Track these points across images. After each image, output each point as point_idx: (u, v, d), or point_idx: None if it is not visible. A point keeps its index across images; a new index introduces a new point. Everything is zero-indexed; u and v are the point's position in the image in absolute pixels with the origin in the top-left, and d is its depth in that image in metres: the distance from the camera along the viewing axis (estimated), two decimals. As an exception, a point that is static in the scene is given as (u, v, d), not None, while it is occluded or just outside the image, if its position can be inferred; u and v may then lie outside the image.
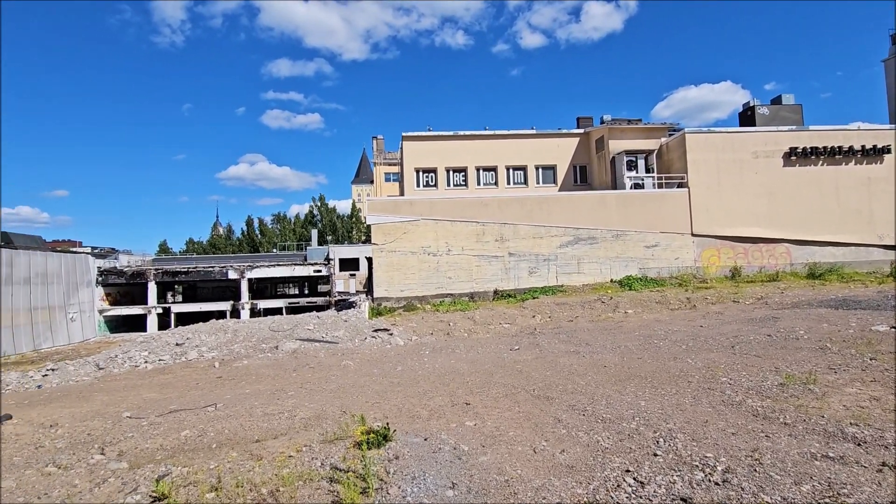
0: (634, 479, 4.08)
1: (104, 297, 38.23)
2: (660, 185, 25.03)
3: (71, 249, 45.91)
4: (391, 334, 14.99)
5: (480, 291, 22.03)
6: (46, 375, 13.27)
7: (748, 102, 28.98)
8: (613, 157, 26.84)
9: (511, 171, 29.13)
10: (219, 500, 3.93)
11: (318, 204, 78.22)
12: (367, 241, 37.98)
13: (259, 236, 72.67)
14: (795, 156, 23.88)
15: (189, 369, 12.04)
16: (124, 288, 40.15)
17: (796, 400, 5.95)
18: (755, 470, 4.12)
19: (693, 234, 23.37)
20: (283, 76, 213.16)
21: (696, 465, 4.26)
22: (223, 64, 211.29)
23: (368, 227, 22.38)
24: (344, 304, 28.60)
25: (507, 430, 5.51)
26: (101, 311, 37.32)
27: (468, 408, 6.54)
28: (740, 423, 5.32)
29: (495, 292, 21.99)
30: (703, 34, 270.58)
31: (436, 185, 28.75)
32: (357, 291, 38.41)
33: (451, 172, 28.94)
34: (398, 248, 21.94)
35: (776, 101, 28.68)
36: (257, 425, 6.27)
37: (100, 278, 37.75)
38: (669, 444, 4.77)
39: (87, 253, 40.66)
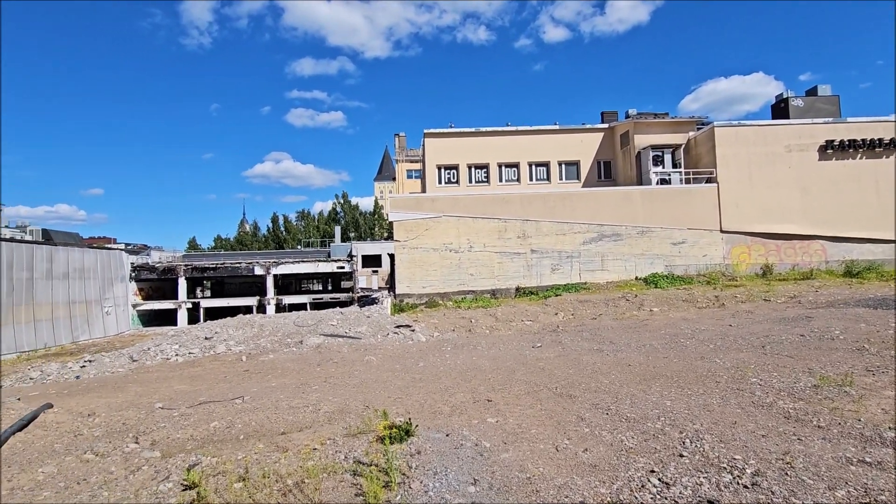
0: (659, 479, 4.02)
1: (137, 292, 39.65)
2: (687, 181, 24.41)
3: (106, 246, 47.73)
4: (413, 330, 15.09)
5: (502, 288, 21.93)
6: (84, 367, 13.89)
7: (781, 94, 27.95)
8: (639, 152, 26.30)
9: (533, 167, 28.86)
10: (246, 490, 4.05)
11: (342, 201, 79.20)
12: (390, 237, 38.25)
13: (284, 233, 74.08)
14: (832, 149, 22.93)
15: (217, 362, 12.39)
16: (156, 283, 41.54)
17: (831, 402, 5.75)
18: (786, 474, 4.00)
19: (722, 231, 22.73)
20: (307, 75, 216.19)
21: (724, 467, 4.17)
22: (248, 64, 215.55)
23: (391, 223, 22.56)
24: (366, 301, 28.92)
25: (529, 427, 5.49)
26: (134, 306, 38.72)
27: (490, 405, 6.53)
28: (771, 425, 5.17)
29: (517, 289, 21.87)
30: (733, 24, 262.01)
31: (458, 182, 28.72)
32: (379, 288, 38.76)
33: (472, 169, 28.85)
34: (420, 245, 22.03)
35: (811, 92, 27.57)
36: (283, 418, 6.41)
37: (133, 274, 39.16)
38: (696, 445, 4.67)
39: (121, 249, 42.22)
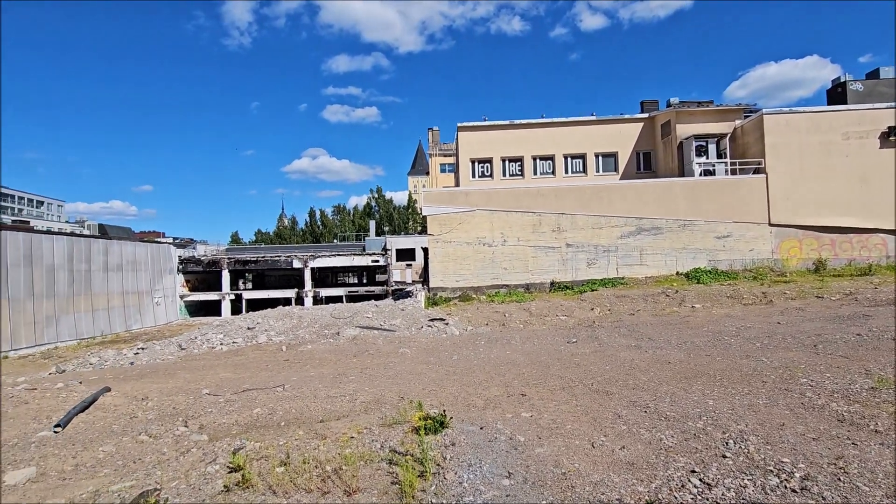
0: (701, 480, 3.90)
1: (184, 284, 41.63)
2: (733, 172, 23.35)
3: (155, 240, 50.27)
4: (447, 324, 15.19)
5: (536, 283, 21.72)
6: (137, 354, 14.77)
7: (838, 78, 26.22)
8: (681, 143, 25.34)
9: (569, 159, 28.32)
10: (287, 474, 4.21)
11: (376, 195, 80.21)
12: (423, 231, 38.48)
13: (320, 227, 75.80)
14: (895, 135, 21.36)
15: (259, 352, 12.89)
16: (201, 275, 43.45)
17: (890, 406, 5.40)
18: (839, 479, 3.80)
19: (771, 224, 21.65)
20: (342, 71, 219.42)
21: (771, 470, 4.00)
22: (286, 62, 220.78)
23: (424, 217, 22.72)
24: (401, 294, 29.27)
25: (564, 423, 5.44)
26: (181, 297, 40.70)
27: (524, 399, 6.51)
28: (822, 428, 4.92)
29: (552, 284, 21.60)
30: (785, 5, 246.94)
31: (491, 176, 28.55)
32: (413, 281, 39.14)
33: (506, 162, 28.60)
34: (454, 239, 22.08)
35: (872, 75, 25.72)
36: (321, 406, 6.61)
37: (180, 266, 41.17)
38: (740, 447, 4.51)
39: (170, 243, 44.38)
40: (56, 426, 6.15)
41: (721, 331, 11.01)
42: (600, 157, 28.11)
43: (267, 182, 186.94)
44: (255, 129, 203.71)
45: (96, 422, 6.52)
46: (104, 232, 38.36)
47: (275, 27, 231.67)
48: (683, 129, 25.38)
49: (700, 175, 23.69)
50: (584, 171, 28.08)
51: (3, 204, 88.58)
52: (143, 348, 15.57)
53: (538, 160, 28.49)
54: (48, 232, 30.52)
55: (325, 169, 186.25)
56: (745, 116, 25.12)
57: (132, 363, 13.39)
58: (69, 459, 5.11)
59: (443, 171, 51.41)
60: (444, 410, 5.64)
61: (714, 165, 23.91)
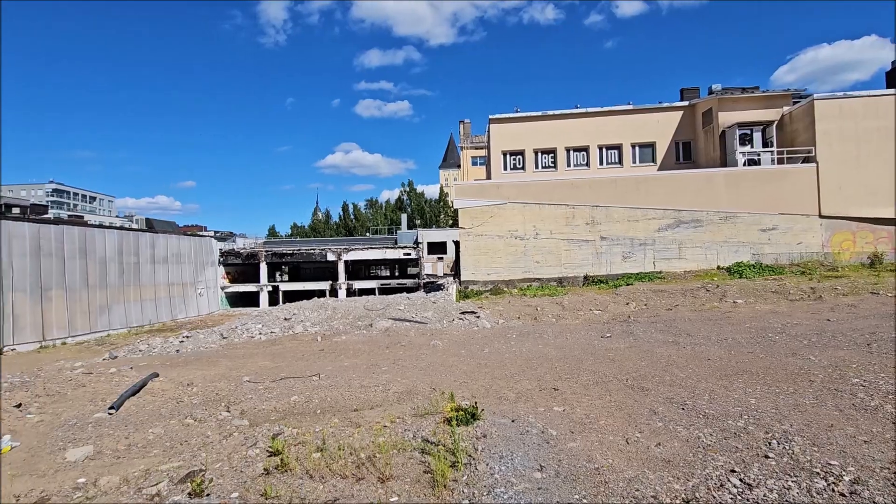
0: (741, 480, 3.79)
1: (225, 276, 43.33)
2: (780, 161, 22.24)
3: (198, 233, 52.42)
4: (478, 317, 15.23)
5: (569, 276, 21.43)
6: (183, 342, 15.52)
7: (900, 58, 24.43)
8: (724, 131, 24.30)
9: (604, 150, 27.66)
10: (324, 460, 4.35)
11: (408, 189, 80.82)
12: (455, 224, 38.50)
13: (353, 221, 77.08)
14: (964, 120, 19.79)
15: (295, 342, 13.29)
16: (241, 267, 45.05)
17: (953, 410, 5.07)
18: (893, 485, 3.61)
19: (821, 216, 20.52)
20: (374, 66, 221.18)
21: (817, 473, 3.84)
22: (320, 58, 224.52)
23: (455, 211, 22.76)
24: (432, 287, 29.47)
25: (597, 418, 5.38)
26: (222, 288, 42.39)
27: (556, 393, 6.47)
28: (875, 430, 4.67)
29: (585, 278, 21.26)
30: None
31: (523, 168, 28.25)
32: (444, 274, 39.30)
33: (539, 154, 28.21)
34: (485, 232, 22.02)
35: (940, 54, 23.82)
36: (355, 396, 6.77)
37: (221, 259, 42.83)
38: (784, 447, 4.34)
39: (211, 236, 46.22)
40: (110, 408, 6.56)
41: (765, 327, 10.56)
42: (637, 148, 27.32)
43: (302, 177, 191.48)
44: (290, 125, 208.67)
45: (146, 405, 6.91)
46: (151, 226, 40.29)
47: (308, 24, 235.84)
48: (726, 117, 24.32)
49: (744, 165, 22.67)
50: (620, 162, 27.36)
51: (60, 200, 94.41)
52: (187, 337, 16.35)
53: (572, 152, 27.95)
54: (100, 226, 32.36)
55: (358, 163, 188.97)
56: (794, 102, 23.82)
57: (178, 351, 14.10)
58: (122, 439, 5.44)
59: (474, 163, 51.20)
60: (476, 402, 5.67)
61: (759, 155, 22.83)
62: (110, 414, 6.42)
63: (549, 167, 28.06)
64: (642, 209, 21.29)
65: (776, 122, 23.57)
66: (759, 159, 22.70)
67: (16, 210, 27.18)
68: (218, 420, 6.09)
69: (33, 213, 27.87)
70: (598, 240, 21.49)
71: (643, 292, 17.27)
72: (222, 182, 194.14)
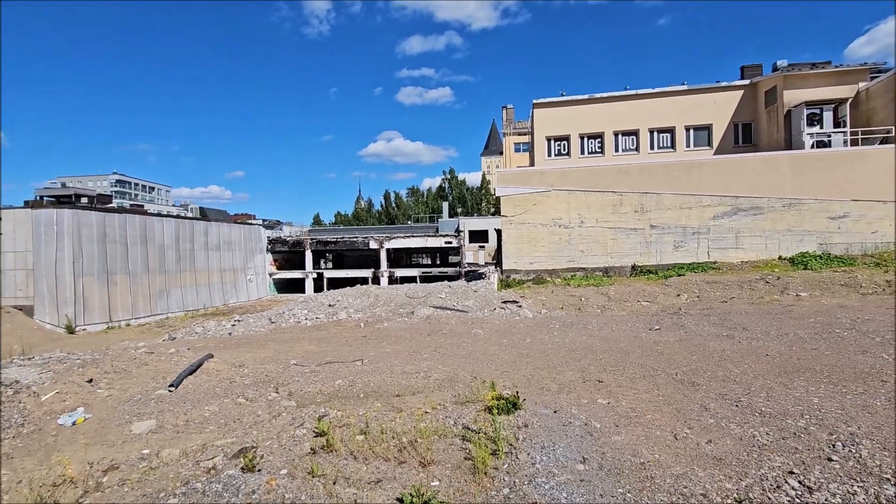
0: (800, 482, 3.61)
1: (272, 262, 45.16)
2: (853, 143, 20.56)
3: (248, 221, 54.74)
4: (520, 306, 15.18)
5: (616, 266, 20.91)
6: (234, 325, 16.39)
7: None
8: (789, 111, 22.70)
9: (655, 134, 26.54)
10: (367, 442, 4.50)
11: (449, 177, 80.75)
12: (497, 213, 38.20)
13: (395, 209, 78.03)
14: None
15: (339, 327, 13.74)
16: (287, 255, 46.76)
17: None
18: (978, 496, 3.33)
19: (901, 202, 18.86)
20: (416, 52, 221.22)
21: (888, 479, 3.60)
22: (362, 47, 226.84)
23: (497, 198, 22.59)
24: (473, 276, 29.51)
25: (643, 412, 5.26)
26: (270, 275, 44.24)
27: (601, 385, 6.37)
28: (959, 437, 4.31)
29: (633, 268, 20.67)
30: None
31: (568, 154, 27.60)
32: (486, 263, 39.21)
33: (585, 139, 27.47)
34: (528, 220, 21.78)
35: None
36: (397, 381, 6.94)
37: (269, 246, 44.64)
38: (850, 450, 4.08)
39: (260, 224, 48.13)
40: (170, 386, 7.04)
41: (831, 322, 9.91)
42: (691, 131, 26.03)
43: (345, 166, 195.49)
44: (334, 114, 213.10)
45: (202, 384, 7.37)
46: (204, 214, 42.49)
47: (351, 13, 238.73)
48: (792, 96, 22.68)
49: (812, 147, 21.13)
50: (673, 146, 26.18)
51: (122, 190, 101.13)
52: (238, 321, 17.26)
53: (620, 136, 27.02)
54: (159, 215, 34.44)
55: (400, 151, 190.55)
56: (872, 78, 21.87)
57: (230, 333, 14.91)
58: (181, 415, 5.84)
59: (517, 150, 50.44)
60: (517, 392, 5.67)
61: (829, 136, 21.18)
62: (170, 391, 6.90)
63: (596, 153, 27.27)
64: (696, 196, 20.34)
65: (850, 100, 21.75)
66: (830, 141, 21.07)
67: (84, 200, 29.32)
68: (268, 400, 6.42)
69: (99, 202, 29.99)
70: (647, 228, 20.79)
71: (695, 283, 16.65)
72: (270, 172, 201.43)
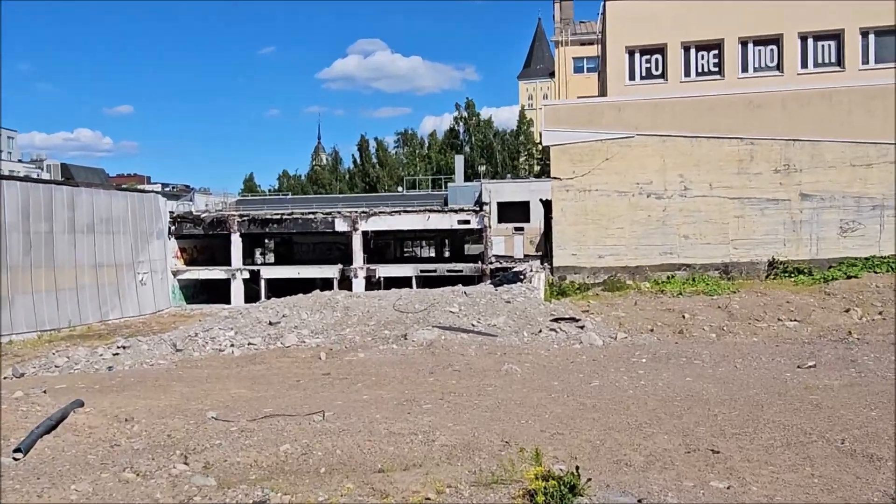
0: None
1: (178, 254, 45.65)
2: None
3: (138, 187, 55.29)
4: (582, 327, 15.22)
5: (742, 262, 20.81)
6: (117, 354, 16.56)
7: None
8: None
9: (810, 42, 26.23)
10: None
11: (464, 114, 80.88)
12: (544, 173, 38.10)
13: (377, 168, 78.26)
14: None
15: (287, 359, 13.78)
16: (202, 241, 47.26)
17: None
18: None
19: None
20: None
21: None
22: None
23: (545, 149, 22.47)
24: (505, 276, 29.49)
25: None
26: (174, 273, 44.74)
27: (716, 458, 6.37)
28: None
29: (771, 264, 20.58)
30: None
31: (664, 76, 27.36)
32: (526, 256, 39.21)
33: (691, 51, 27.23)
34: (595, 186, 21.66)
35: None
36: (380, 448, 6.94)
37: (173, 227, 44.98)
38: None
39: (157, 192, 48.59)
40: (16, 451, 7.10)
41: None
42: (872, 37, 25.67)
43: (295, 97, 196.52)
44: (277, 11, 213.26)
45: (67, 448, 7.43)
46: (69, 175, 43.19)
47: None
48: None
49: None
50: (839, 62, 25.87)
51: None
52: (124, 347, 17.41)
53: (751, 46, 26.76)
54: (-5, 175, 34.88)
55: (384, 72, 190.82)
56: None
57: (111, 368, 14.99)
58: (33, 498, 5.88)
59: (578, 70, 50.14)
60: (577, 468, 5.63)
61: None
62: (16, 459, 6.95)
63: (711, 74, 27.01)
64: (881, 144, 20.07)
65: None
66: None
67: None
68: (171, 475, 6.44)
69: None
70: (795, 198, 20.62)
71: (876, 291, 16.75)
72: (173, 106, 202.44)
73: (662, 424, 7.65)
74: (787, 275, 20.08)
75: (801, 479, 5.78)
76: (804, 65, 26.32)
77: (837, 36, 25.96)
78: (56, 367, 16.24)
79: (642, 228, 21.46)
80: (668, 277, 20.78)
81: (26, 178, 38.14)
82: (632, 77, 27.79)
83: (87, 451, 7.39)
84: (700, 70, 27.27)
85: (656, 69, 27.64)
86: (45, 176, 47.79)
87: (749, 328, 15.06)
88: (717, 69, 27.06)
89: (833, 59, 26.09)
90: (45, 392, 10.48)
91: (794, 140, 20.67)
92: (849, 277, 18.51)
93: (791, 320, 15.36)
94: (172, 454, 7.18)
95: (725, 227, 21.03)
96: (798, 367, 10.84)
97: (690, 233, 21.20)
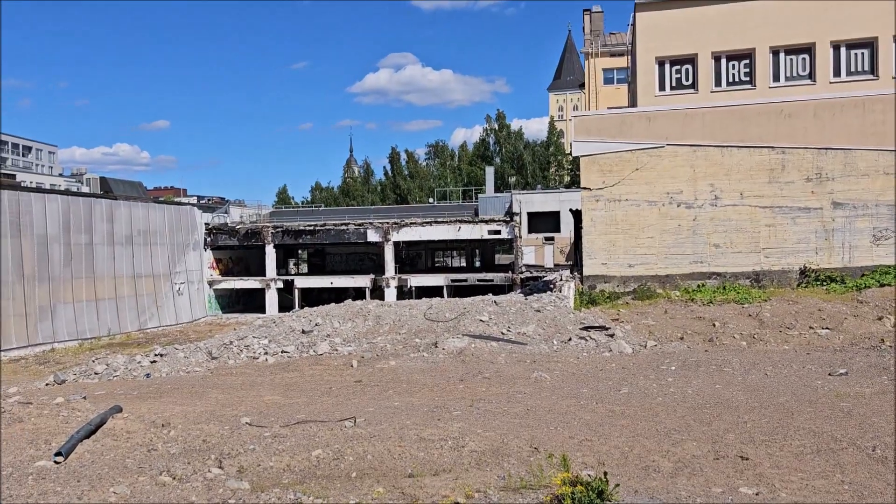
0: None
1: (213, 264, 46.32)
2: None
3: (175, 199, 56.30)
4: (612, 335, 15.27)
5: (774, 270, 20.60)
6: (155, 362, 16.90)
7: None
8: None
9: (843, 50, 25.89)
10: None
11: (495, 126, 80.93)
12: (574, 183, 37.99)
13: (407, 180, 78.59)
14: None
15: (319, 367, 13.96)
16: (237, 252, 47.89)
17: None
18: None
19: None
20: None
21: None
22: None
23: (575, 160, 22.49)
24: (536, 286, 29.46)
25: (818, 509, 5.18)
26: (210, 283, 45.40)
27: (745, 465, 6.35)
28: None
29: (803, 272, 20.34)
30: None
31: (694, 87, 27.21)
32: (556, 265, 39.09)
33: (722, 61, 27.05)
34: (625, 195, 21.62)
35: None
36: (410, 453, 7.02)
37: (209, 238, 45.66)
38: None
39: (194, 204, 49.43)
40: (57, 454, 7.31)
41: None
42: (906, 43, 25.19)
43: (328, 110, 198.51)
44: (310, 27, 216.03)
45: (105, 452, 7.62)
46: (108, 188, 44.16)
47: None
48: None
49: None
50: (873, 70, 25.49)
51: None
52: (161, 355, 17.78)
53: (783, 55, 26.49)
54: (39, 190, 35.80)
55: (415, 85, 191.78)
56: None
57: (148, 375, 15.32)
58: (73, 500, 6.07)
59: (608, 81, 50.02)
60: (605, 473, 5.65)
61: None
62: (57, 462, 7.16)
63: (742, 83, 26.80)
64: (914, 153, 19.75)
65: None
66: None
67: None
68: (206, 479, 6.59)
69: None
70: (827, 207, 20.38)
71: None
72: (209, 122, 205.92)
73: (691, 431, 7.63)
74: (818, 283, 19.88)
75: (831, 485, 5.74)
76: (836, 73, 25.97)
77: (871, 44, 25.60)
78: (96, 373, 16.62)
79: (672, 237, 21.36)
80: (698, 286, 20.65)
81: (67, 192, 39.10)
82: (662, 87, 27.67)
83: (126, 456, 7.57)
84: (731, 80, 27.07)
85: (686, 79, 27.49)
86: (85, 189, 48.91)
87: (780, 336, 15.01)
88: (748, 79, 26.84)
89: (866, 68, 25.73)
90: (84, 398, 10.77)
91: (825, 149, 20.47)
92: (882, 285, 18.40)
93: (823, 328, 15.28)
94: (207, 458, 7.33)
95: (756, 236, 20.86)
96: (829, 374, 10.78)
97: (721, 241, 21.06)
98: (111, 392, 12.04)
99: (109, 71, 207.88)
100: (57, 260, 33.71)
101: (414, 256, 56.83)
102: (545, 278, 31.64)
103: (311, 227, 45.51)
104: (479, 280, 42.96)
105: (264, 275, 45.44)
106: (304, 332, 18.12)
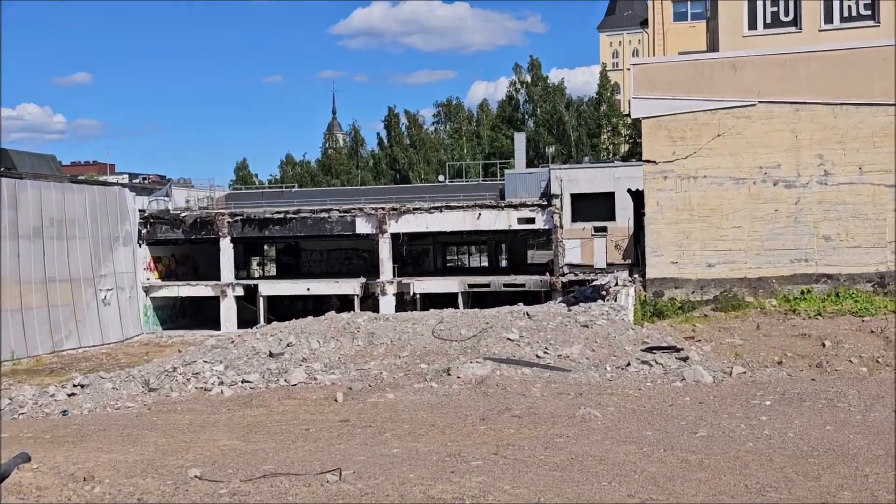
0: None
1: (151, 265, 46.31)
2: None
3: (99, 179, 56.53)
4: (685, 359, 15.16)
5: (903, 272, 20.41)
6: (74, 395, 16.89)
7: None
8: None
9: None
10: None
11: (527, 79, 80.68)
12: (633, 155, 37.86)
13: (408, 151, 78.40)
14: None
15: (292, 401, 13.91)
16: (182, 248, 48.03)
17: None
18: None
19: None
20: None
21: None
22: None
23: (634, 123, 22.41)
24: (582, 293, 29.39)
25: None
26: (146, 290, 45.45)
27: (866, 533, 6.27)
28: None
29: (945, 275, 20.16)
30: None
31: (796, 24, 27.04)
32: (609, 265, 38.99)
33: (833, -8, 26.84)
34: (703, 171, 21.54)
35: None
36: (416, 518, 7.01)
37: (145, 229, 45.61)
38: None
39: (124, 184, 49.53)
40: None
41: None
42: None
43: (302, 58, 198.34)
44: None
45: (8, 514, 7.66)
46: (10, 164, 44.14)
47: None
48: None
49: None
50: None
51: None
52: (82, 386, 17.75)
53: (914, -21, 26.23)
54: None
55: (418, 23, 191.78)
56: None
57: (65, 412, 15.32)
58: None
59: (680, 17, 49.74)
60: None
61: None
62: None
63: (860, 19, 26.57)
64: None
65: None
66: None
67: None
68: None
69: None
70: (979, 185, 20.21)
71: None
72: (141, 74, 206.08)
73: (794, 488, 7.57)
74: (966, 288, 19.70)
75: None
76: None
77: None
78: (-4, 409, 16.68)
79: (767, 227, 21.23)
80: (801, 292, 20.52)
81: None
82: (752, 25, 27.51)
83: (37, 519, 7.59)
84: (846, 14, 26.85)
85: (786, 14, 27.32)
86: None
87: (914, 361, 14.77)
88: (868, 13, 26.62)
89: None
90: (-18, 442, 10.80)
91: (975, 105, 20.32)
92: None
93: (973, 351, 15.04)
94: (143, 525, 7.35)
95: (882, 225, 20.67)
96: (983, 412, 10.61)
97: (833, 233, 20.90)
98: (16, 435, 12.07)
99: (8, 6, 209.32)
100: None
101: (418, 254, 56.72)
102: (595, 282, 31.53)
103: (281, 215, 45.28)
104: (505, 285, 42.89)
105: (219, 278, 45.42)
106: (271, 354, 18.04)
